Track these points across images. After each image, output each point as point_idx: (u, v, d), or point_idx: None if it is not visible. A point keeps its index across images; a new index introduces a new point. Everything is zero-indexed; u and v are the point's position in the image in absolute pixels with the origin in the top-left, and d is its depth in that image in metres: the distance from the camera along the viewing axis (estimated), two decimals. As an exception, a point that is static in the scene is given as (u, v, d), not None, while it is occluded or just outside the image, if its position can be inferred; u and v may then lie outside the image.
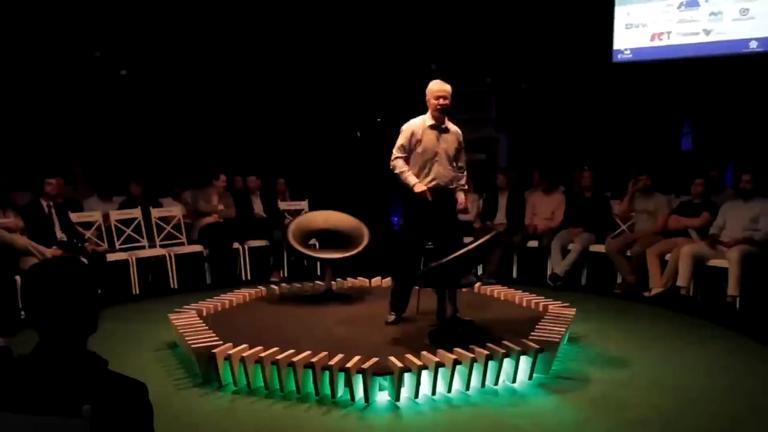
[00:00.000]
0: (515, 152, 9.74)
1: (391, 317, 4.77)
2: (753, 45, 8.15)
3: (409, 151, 4.63)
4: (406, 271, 4.66)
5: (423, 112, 4.67)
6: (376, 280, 6.17)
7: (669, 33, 8.72)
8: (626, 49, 9.03)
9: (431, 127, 4.61)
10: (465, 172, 4.82)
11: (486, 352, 3.93)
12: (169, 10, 9.29)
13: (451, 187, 4.67)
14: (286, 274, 7.57)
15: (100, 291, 1.71)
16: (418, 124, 4.64)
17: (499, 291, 5.75)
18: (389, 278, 6.16)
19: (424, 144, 4.58)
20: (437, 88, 4.58)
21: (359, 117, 9.82)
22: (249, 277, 7.27)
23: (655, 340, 4.95)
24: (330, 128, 9.90)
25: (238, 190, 7.94)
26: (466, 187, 4.84)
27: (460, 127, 4.76)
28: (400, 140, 4.64)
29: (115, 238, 6.85)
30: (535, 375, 4.09)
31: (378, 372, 3.74)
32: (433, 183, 4.58)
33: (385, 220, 9.43)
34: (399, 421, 3.53)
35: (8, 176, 7.27)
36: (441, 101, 4.55)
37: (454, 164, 4.69)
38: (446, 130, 4.65)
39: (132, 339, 4.99)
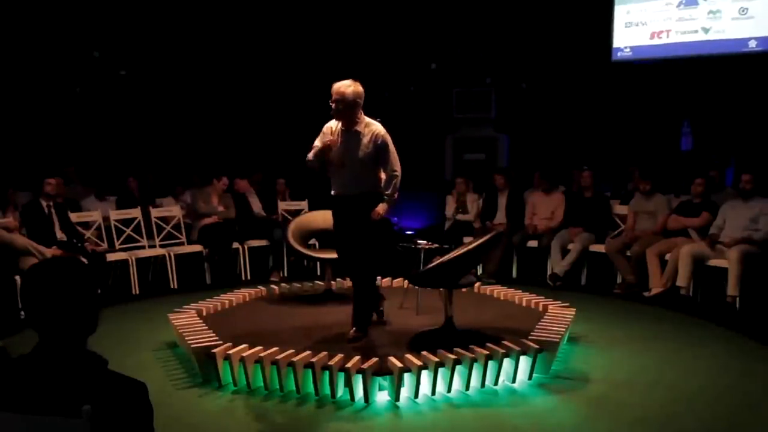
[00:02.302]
0: (515, 152, 9.74)
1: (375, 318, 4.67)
2: (752, 44, 8.15)
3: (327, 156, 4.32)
4: (350, 274, 4.59)
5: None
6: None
7: (668, 31, 8.72)
8: (626, 47, 9.03)
9: (342, 131, 4.30)
10: (394, 181, 4.29)
11: (486, 352, 3.93)
12: (168, 10, 9.29)
13: (359, 194, 4.28)
14: (286, 274, 7.57)
15: (100, 291, 1.71)
16: (331, 126, 4.36)
17: (499, 291, 5.75)
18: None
19: (332, 149, 4.29)
20: (332, 89, 4.20)
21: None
22: (249, 277, 7.27)
23: (655, 340, 4.95)
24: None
25: (236, 191, 7.94)
26: (395, 197, 4.33)
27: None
28: (316, 140, 4.39)
29: (115, 238, 6.86)
30: (534, 375, 4.09)
31: (378, 372, 3.75)
32: (339, 191, 4.35)
33: (384, 220, 9.42)
34: (399, 421, 3.53)
35: (8, 176, 7.27)
36: (332, 105, 4.20)
37: (365, 171, 4.27)
38: (356, 134, 4.25)
39: (132, 339, 4.99)
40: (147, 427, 1.58)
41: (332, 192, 4.44)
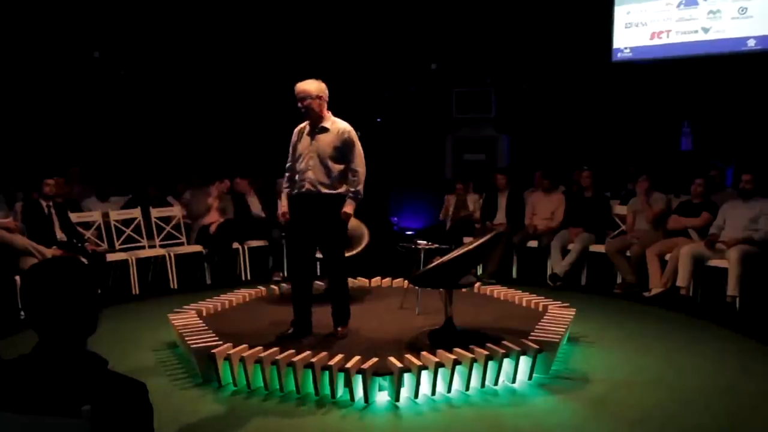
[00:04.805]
0: (515, 152, 9.74)
1: (290, 330, 4.48)
2: (751, 43, 8.15)
3: (292, 156, 4.47)
4: (294, 276, 4.56)
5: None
6: (375, 280, 6.18)
7: (668, 32, 8.73)
8: (626, 48, 9.03)
9: (309, 129, 4.40)
10: (357, 178, 4.34)
11: (486, 352, 3.93)
12: (168, 11, 9.29)
13: (326, 192, 4.29)
14: (286, 274, 7.56)
15: (100, 291, 1.71)
16: (300, 127, 4.48)
17: (499, 291, 5.75)
18: (389, 279, 6.18)
19: (299, 148, 4.40)
20: (296, 89, 4.33)
21: (359, 117, 9.82)
22: (249, 277, 7.27)
23: (655, 340, 4.95)
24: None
25: (236, 192, 7.93)
26: (360, 195, 4.36)
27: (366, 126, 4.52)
28: (291, 145, 4.51)
29: (115, 238, 6.86)
30: (534, 375, 4.09)
31: (378, 372, 3.75)
32: (304, 188, 4.32)
33: (385, 220, 9.43)
34: (399, 422, 3.53)
35: (8, 176, 7.28)
36: (298, 103, 4.32)
37: (333, 167, 4.29)
38: (323, 131, 4.33)
39: (132, 339, 4.99)
40: (147, 427, 1.58)
41: (295, 191, 4.41)
